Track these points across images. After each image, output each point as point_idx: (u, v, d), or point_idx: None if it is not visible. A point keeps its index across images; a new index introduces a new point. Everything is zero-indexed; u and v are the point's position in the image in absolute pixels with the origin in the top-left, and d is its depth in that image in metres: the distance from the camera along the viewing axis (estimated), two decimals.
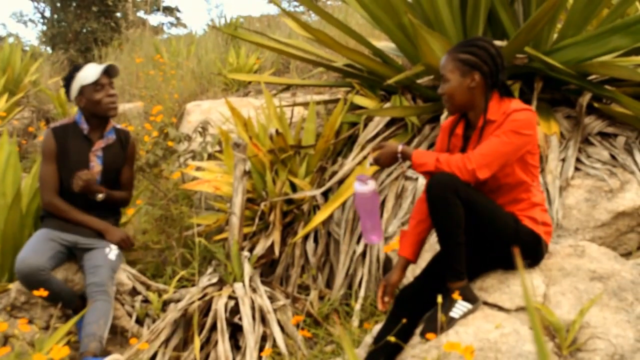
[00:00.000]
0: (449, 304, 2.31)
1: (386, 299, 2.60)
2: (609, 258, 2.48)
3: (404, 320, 2.39)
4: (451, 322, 2.30)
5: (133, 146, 3.62)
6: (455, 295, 2.27)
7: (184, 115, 6.86)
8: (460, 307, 2.32)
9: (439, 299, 2.21)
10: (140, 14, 23.95)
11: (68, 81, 3.44)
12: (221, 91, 8.03)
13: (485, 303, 2.39)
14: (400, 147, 2.43)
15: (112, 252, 3.34)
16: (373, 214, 2.59)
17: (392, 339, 2.28)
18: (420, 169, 2.38)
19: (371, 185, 2.51)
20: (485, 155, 2.31)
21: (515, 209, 2.42)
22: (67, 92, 3.48)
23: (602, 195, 3.17)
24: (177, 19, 26.49)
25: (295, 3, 18.20)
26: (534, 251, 2.42)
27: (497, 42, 3.78)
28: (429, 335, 2.25)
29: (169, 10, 26.08)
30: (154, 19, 24.48)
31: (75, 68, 3.46)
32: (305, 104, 4.49)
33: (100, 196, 3.41)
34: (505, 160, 2.34)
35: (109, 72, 3.45)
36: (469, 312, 2.33)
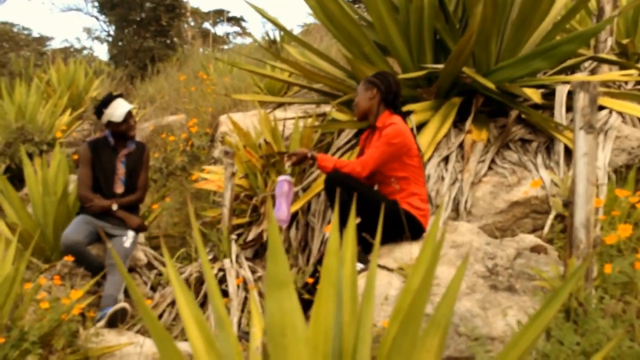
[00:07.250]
0: None
1: None
2: (472, 233, 3.35)
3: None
4: None
5: (148, 154, 4.65)
6: None
7: (218, 127, 7.92)
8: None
9: None
10: (207, 25, 25.28)
11: (98, 113, 4.49)
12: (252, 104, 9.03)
13: (377, 265, 3.29)
14: (309, 153, 3.39)
15: (128, 240, 4.35)
16: (287, 200, 3.47)
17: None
18: (323, 170, 3.32)
19: (284, 176, 3.45)
20: (368, 161, 3.25)
21: (397, 197, 3.33)
22: (98, 117, 4.53)
23: (503, 189, 4.00)
24: (243, 28, 27.70)
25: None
26: (412, 228, 3.31)
27: (438, 65, 4.66)
28: None
29: (234, 21, 27.35)
30: (220, 29, 25.70)
31: (104, 104, 4.47)
32: (292, 118, 5.45)
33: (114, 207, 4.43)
34: (383, 162, 3.26)
35: (131, 112, 4.50)
36: (362, 270, 3.24)
